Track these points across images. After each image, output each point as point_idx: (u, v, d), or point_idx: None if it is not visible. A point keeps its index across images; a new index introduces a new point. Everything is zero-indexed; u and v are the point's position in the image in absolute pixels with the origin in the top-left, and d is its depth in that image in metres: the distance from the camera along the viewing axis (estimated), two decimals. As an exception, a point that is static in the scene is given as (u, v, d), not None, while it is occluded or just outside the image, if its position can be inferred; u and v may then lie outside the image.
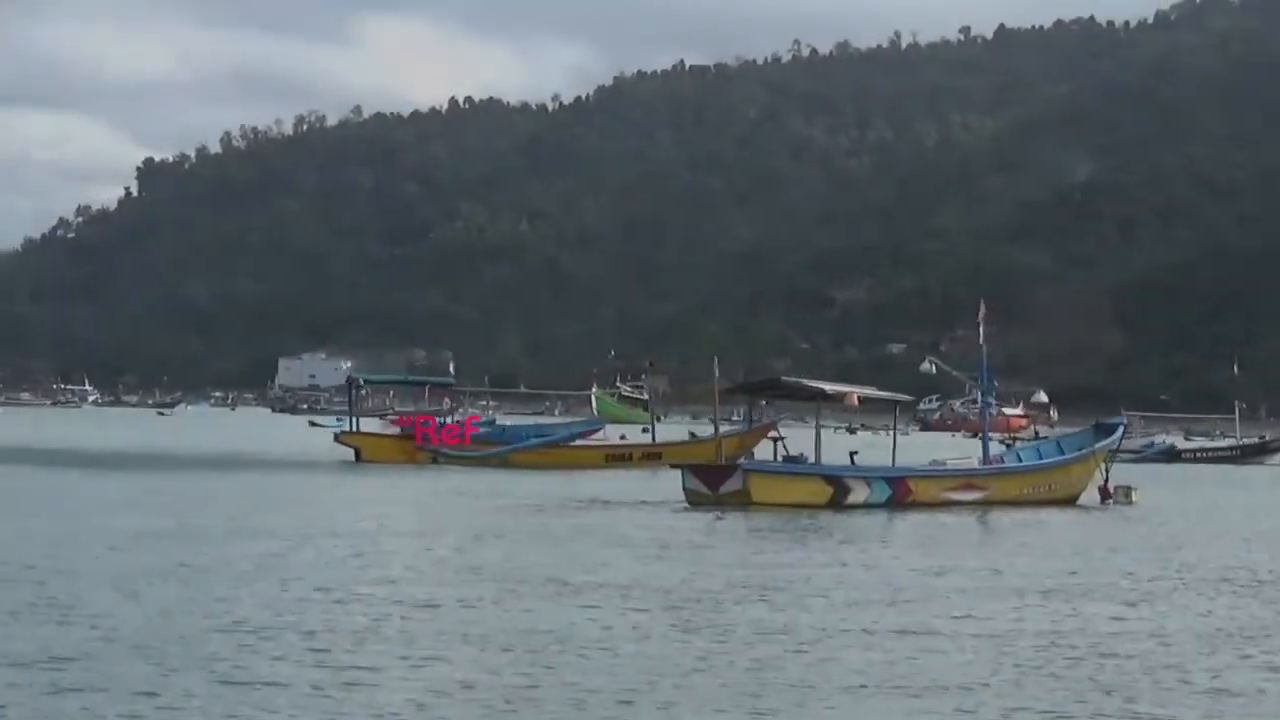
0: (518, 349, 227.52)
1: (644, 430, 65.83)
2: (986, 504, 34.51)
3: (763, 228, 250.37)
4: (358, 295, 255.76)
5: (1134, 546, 26.80)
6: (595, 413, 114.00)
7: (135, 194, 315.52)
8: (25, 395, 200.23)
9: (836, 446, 40.89)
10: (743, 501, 32.96)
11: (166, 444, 66.45)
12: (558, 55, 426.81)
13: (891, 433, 41.76)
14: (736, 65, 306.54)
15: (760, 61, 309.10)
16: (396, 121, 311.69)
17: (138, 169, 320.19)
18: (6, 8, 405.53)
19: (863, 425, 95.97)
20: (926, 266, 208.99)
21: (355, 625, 15.81)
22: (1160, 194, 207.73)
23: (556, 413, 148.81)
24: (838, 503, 33.50)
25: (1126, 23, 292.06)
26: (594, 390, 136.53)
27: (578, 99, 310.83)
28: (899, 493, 34.39)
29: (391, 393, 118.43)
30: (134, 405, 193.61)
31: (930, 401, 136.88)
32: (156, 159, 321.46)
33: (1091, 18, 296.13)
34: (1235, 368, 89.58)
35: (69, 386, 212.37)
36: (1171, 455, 70.06)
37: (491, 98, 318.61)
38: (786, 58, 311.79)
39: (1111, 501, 36.61)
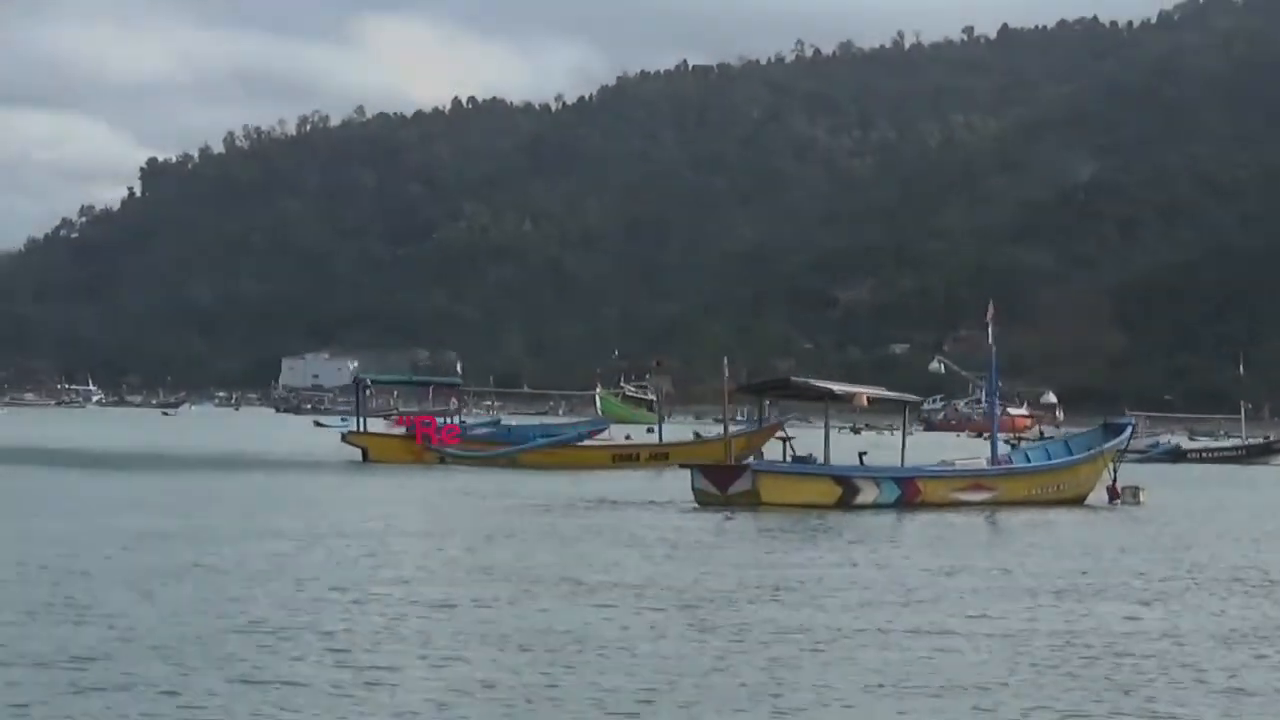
0: (521, 349, 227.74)
1: (649, 430, 65.99)
2: (995, 504, 34.55)
3: (766, 228, 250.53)
4: (361, 295, 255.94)
5: (1143, 546, 26.82)
6: (599, 413, 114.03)
7: (138, 194, 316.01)
8: (29, 395, 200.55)
9: (841, 446, 40.92)
10: (752, 502, 32.99)
11: (172, 444, 66.55)
12: (560, 55, 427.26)
13: (899, 433, 41.74)
14: (739, 65, 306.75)
15: (763, 61, 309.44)
16: (399, 122, 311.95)
17: (141, 169, 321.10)
18: (7, 7, 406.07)
19: (867, 425, 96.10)
20: (929, 266, 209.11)
21: (372, 625, 15.85)
22: (1163, 194, 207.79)
23: (560, 413, 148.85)
24: (846, 503, 33.52)
25: (1130, 23, 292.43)
26: (598, 390, 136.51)
27: (581, 99, 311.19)
28: (908, 493, 34.41)
29: (396, 393, 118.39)
30: (138, 405, 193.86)
31: (934, 401, 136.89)
32: (160, 159, 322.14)
33: (1094, 18, 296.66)
34: (1240, 368, 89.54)
35: (73, 387, 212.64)
36: (1177, 455, 70.05)
37: (494, 98, 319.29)
38: (789, 58, 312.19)
39: (1119, 502, 36.62)
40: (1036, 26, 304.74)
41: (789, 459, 36.23)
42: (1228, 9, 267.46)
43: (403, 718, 11.86)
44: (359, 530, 26.59)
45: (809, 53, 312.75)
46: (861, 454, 36.63)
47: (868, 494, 34.00)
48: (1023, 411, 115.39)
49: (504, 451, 52.88)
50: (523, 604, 17.58)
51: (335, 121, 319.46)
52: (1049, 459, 37.79)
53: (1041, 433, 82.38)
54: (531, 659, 14.08)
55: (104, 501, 32.78)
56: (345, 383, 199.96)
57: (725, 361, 42.66)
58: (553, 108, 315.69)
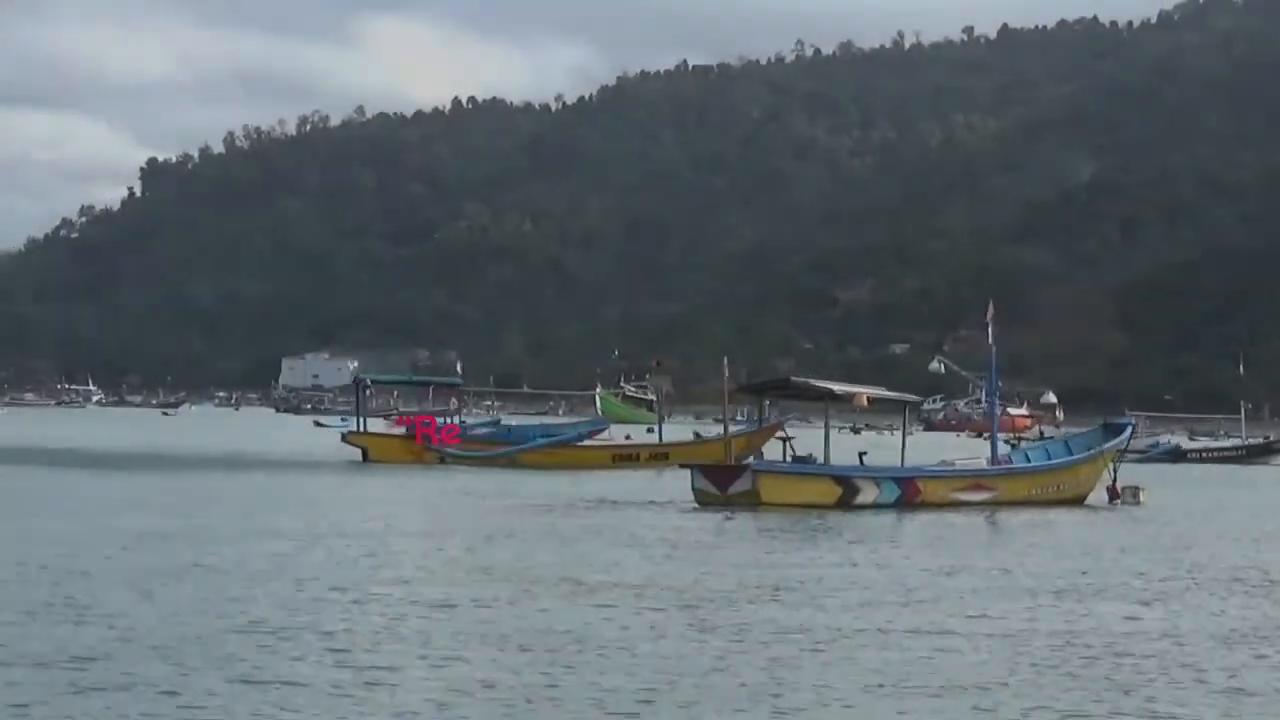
0: (521, 349, 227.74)
1: (649, 430, 65.98)
2: (995, 504, 34.55)
3: (766, 228, 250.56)
4: (361, 295, 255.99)
5: (1143, 547, 26.83)
6: (599, 413, 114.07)
7: (139, 194, 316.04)
8: (29, 395, 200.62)
9: (840, 446, 40.90)
10: (752, 502, 32.99)
11: (172, 444, 66.57)
12: (561, 55, 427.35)
13: (898, 433, 41.73)
14: (739, 65, 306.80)
15: (763, 61, 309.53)
16: (400, 122, 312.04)
17: (141, 169, 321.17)
18: (7, 7, 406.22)
19: (866, 425, 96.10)
20: (930, 267, 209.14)
21: (372, 625, 15.85)
22: (1164, 194, 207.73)
23: (560, 413, 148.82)
24: (846, 503, 33.53)
25: (1130, 23, 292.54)
26: (598, 390, 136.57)
27: (581, 99, 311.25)
28: (908, 493, 34.42)
29: (395, 393, 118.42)
30: (138, 405, 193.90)
31: (934, 402, 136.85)
32: (160, 159, 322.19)
33: (1095, 18, 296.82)
34: (1240, 368, 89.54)
35: (73, 387, 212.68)
36: (1177, 455, 70.03)
37: (495, 98, 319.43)
38: (790, 58, 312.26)
39: (1119, 502, 36.63)
40: (1036, 26, 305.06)
41: (789, 459, 36.22)
42: (1228, 9, 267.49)
43: (403, 718, 11.86)
44: (359, 530, 26.60)
45: (809, 53, 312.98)
46: (861, 454, 36.64)
47: (868, 494, 34.01)
48: (1022, 411, 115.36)
49: (504, 451, 52.89)
50: (523, 604, 17.59)
51: (335, 121, 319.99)
52: (1049, 459, 37.80)
53: (1041, 433, 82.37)
54: (531, 659, 14.09)
55: (104, 501, 32.80)
56: (345, 383, 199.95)
57: (725, 361, 42.63)
58: (553, 108, 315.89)
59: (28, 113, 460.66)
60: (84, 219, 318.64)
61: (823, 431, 37.78)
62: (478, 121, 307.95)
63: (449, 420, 58.20)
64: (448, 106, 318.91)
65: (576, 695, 12.60)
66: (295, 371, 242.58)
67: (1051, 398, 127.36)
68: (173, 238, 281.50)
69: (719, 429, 67.57)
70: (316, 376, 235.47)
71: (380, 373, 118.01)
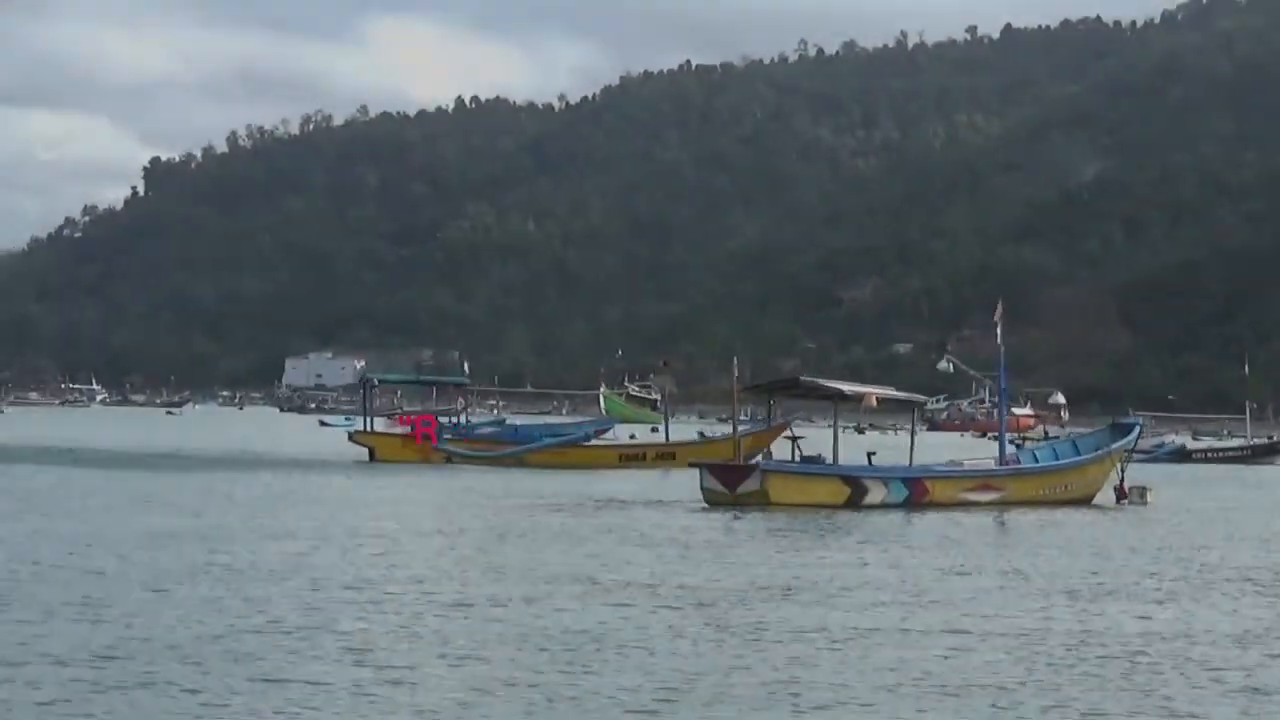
0: (525, 348, 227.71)
1: (653, 430, 65.98)
2: (1003, 504, 34.57)
3: (769, 227, 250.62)
4: (364, 295, 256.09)
5: (1153, 547, 26.85)
6: (603, 412, 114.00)
7: (142, 193, 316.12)
8: (33, 395, 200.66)
9: (845, 446, 40.89)
10: (761, 501, 33.02)
11: (178, 443, 66.53)
12: (564, 55, 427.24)
13: (902, 433, 41.80)
14: (743, 65, 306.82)
15: (767, 61, 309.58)
16: (403, 121, 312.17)
17: (144, 169, 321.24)
18: (9, 7, 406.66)
19: (870, 425, 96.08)
20: (933, 266, 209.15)
21: (389, 625, 15.89)
22: (1167, 194, 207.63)
23: (564, 412, 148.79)
24: (855, 503, 33.56)
25: (1133, 22, 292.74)
26: (602, 390, 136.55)
27: (584, 99, 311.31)
28: (916, 493, 34.45)
29: (399, 392, 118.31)
30: (142, 405, 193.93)
31: (937, 401, 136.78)
32: (163, 158, 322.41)
33: (1098, 17, 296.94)
34: (1245, 368, 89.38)
35: (77, 386, 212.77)
36: (1182, 455, 69.98)
37: (498, 97, 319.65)
38: (793, 57, 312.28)
39: (1126, 502, 36.66)
40: (1040, 26, 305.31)
41: (797, 459, 36.23)
42: (1231, 9, 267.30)
43: (425, 716, 11.90)
44: (370, 530, 26.65)
45: (812, 52, 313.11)
46: (870, 454, 36.66)
47: (876, 494, 34.04)
48: (1026, 411, 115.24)
49: (511, 451, 52.91)
50: (539, 604, 17.62)
51: (339, 121, 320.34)
52: (1057, 459, 37.80)
53: (1046, 433, 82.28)
54: (550, 658, 14.13)
55: (114, 501, 32.83)
56: (348, 382, 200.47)
57: (735, 361, 42.63)
58: (556, 107, 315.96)
59: (31, 112, 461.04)
60: (87, 218, 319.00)
61: (826, 431, 37.78)
62: (481, 121, 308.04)
63: (452, 420, 58.20)
64: (451, 106, 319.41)
65: (597, 694, 12.64)
66: (298, 371, 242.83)
67: (1060, 398, 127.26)
68: (176, 237, 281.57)
69: (722, 429, 67.57)
70: (320, 376, 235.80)
71: (385, 372, 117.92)
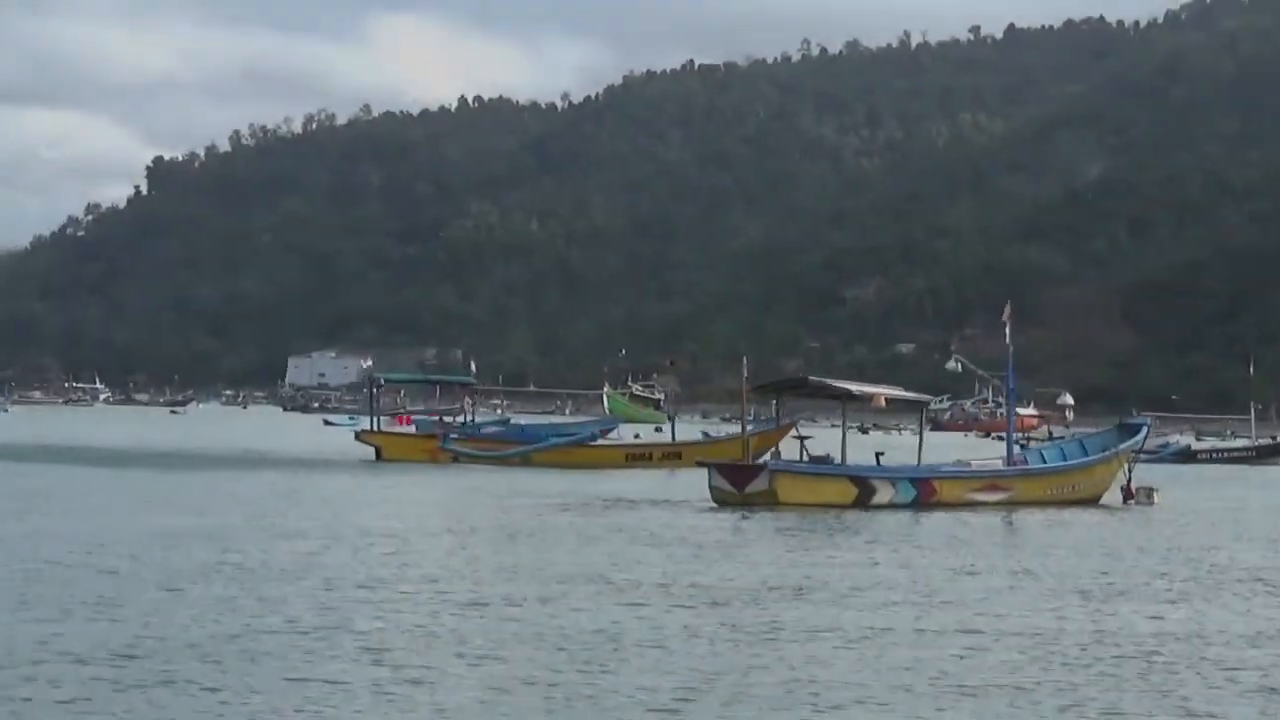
0: (528, 348, 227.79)
1: (657, 430, 66.00)
2: (1011, 505, 34.60)
3: (773, 227, 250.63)
4: (367, 294, 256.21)
5: (1161, 547, 26.88)
6: (607, 411, 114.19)
7: (145, 192, 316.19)
8: (37, 394, 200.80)
9: (851, 446, 40.90)
10: (769, 501, 33.06)
11: (182, 442, 66.65)
12: (567, 54, 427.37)
13: (907, 433, 41.84)
14: (746, 64, 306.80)
15: (770, 61, 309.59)
16: (406, 120, 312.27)
17: (147, 167, 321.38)
18: (12, 5, 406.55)
19: (875, 425, 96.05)
20: (937, 266, 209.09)
21: (405, 624, 15.92)
22: (1172, 193, 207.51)
23: (567, 412, 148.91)
24: (863, 503, 33.60)
25: (1136, 22, 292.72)
26: (605, 389, 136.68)
27: (587, 98, 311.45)
28: (924, 493, 34.48)
29: (402, 391, 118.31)
30: (145, 404, 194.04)
31: (941, 401, 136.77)
32: (166, 157, 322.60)
33: (1101, 17, 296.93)
34: (1250, 368, 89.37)
35: (80, 385, 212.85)
36: (1187, 456, 69.93)
37: (501, 97, 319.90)
38: (796, 57, 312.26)
39: (1133, 502, 36.68)
40: (1043, 26, 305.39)
41: (805, 459, 36.27)
42: (1234, 8, 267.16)
43: (445, 714, 11.94)
44: (381, 529, 26.69)
45: (816, 52, 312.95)
46: (878, 454, 36.69)
47: (884, 494, 34.07)
48: (1030, 411, 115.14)
49: (519, 451, 52.97)
50: (554, 603, 17.66)
51: (342, 120, 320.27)
52: (1064, 460, 37.83)
53: (1050, 433, 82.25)
54: (568, 658, 14.17)
55: (123, 500, 32.90)
56: (351, 381, 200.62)
57: (744, 361, 42.59)
58: (559, 107, 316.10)
59: (34, 111, 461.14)
60: (90, 217, 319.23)
61: (830, 431, 37.83)
62: (484, 120, 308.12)
63: (456, 420, 58.27)
64: (454, 105, 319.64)
65: (616, 693, 12.68)
66: (301, 370, 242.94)
67: (1068, 399, 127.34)
68: (179, 236, 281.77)
69: (727, 428, 67.47)
70: (323, 375, 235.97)
71: (391, 371, 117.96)
